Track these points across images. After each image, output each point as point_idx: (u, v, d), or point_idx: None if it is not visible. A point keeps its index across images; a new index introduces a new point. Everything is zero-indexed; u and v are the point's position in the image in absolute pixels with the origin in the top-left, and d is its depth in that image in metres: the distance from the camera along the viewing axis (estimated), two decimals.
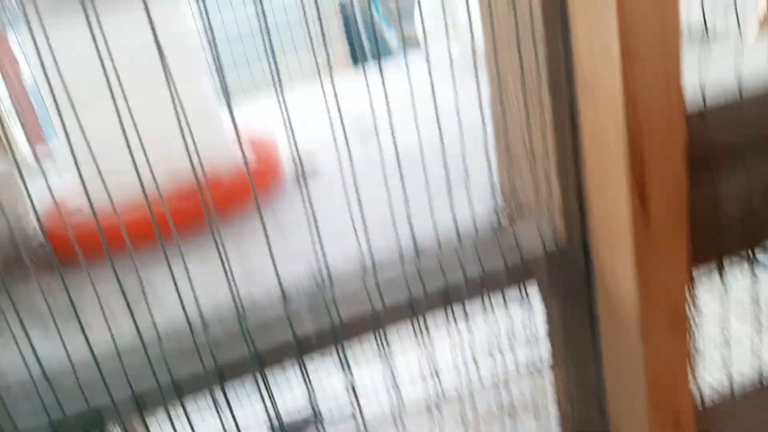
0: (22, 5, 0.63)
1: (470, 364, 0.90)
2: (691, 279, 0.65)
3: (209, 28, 0.58)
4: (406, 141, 0.65)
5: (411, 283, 0.66)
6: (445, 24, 1.00)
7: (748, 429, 0.76)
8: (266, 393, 0.64)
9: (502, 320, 0.73)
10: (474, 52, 0.66)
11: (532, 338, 0.78)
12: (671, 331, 0.60)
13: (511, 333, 0.79)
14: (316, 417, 1.48)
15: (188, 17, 1.01)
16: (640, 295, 0.58)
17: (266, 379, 0.63)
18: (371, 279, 0.67)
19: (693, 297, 0.65)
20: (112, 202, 0.59)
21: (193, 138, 0.57)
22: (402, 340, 0.68)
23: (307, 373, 0.65)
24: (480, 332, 0.76)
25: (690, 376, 0.64)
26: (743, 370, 0.83)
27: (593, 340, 0.71)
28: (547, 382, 0.87)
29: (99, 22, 0.53)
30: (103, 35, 0.53)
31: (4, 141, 0.97)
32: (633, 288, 0.58)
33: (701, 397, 0.77)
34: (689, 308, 0.61)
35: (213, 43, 0.58)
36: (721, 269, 0.71)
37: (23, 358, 0.58)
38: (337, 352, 0.65)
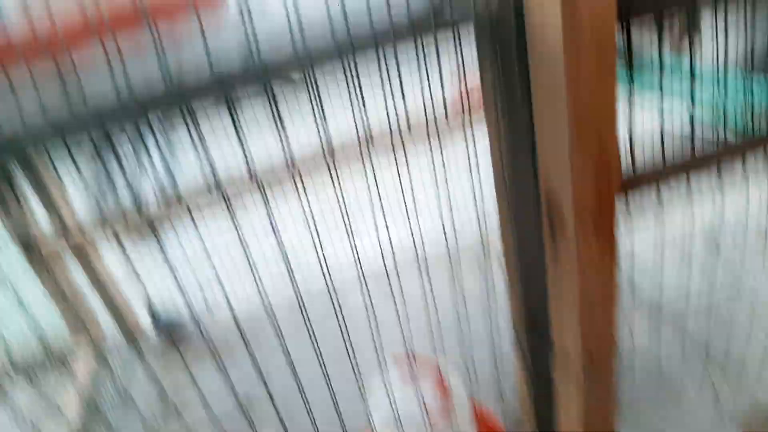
0: None
1: None
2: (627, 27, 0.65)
3: None
4: None
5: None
6: None
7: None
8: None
9: None
10: None
11: None
12: (598, 75, 0.60)
13: None
14: None
15: None
16: (565, 37, 0.58)
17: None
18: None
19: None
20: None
21: None
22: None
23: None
24: None
25: (617, 127, 0.63)
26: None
27: (525, 94, 0.70)
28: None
29: None
30: None
31: None
32: (559, 31, 0.58)
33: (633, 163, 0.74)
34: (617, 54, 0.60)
35: None
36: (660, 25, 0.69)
37: None
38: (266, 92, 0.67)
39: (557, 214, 0.71)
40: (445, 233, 0.93)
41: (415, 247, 0.92)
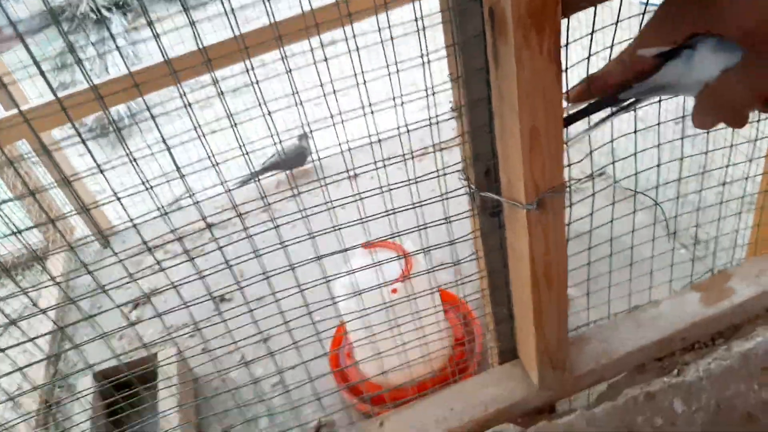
0: None
1: None
2: None
3: None
4: None
5: None
6: None
7: None
8: None
9: None
10: None
11: None
12: None
13: None
14: None
15: None
16: None
17: None
18: None
19: None
20: None
21: None
22: None
23: None
24: None
25: None
26: None
27: None
28: None
29: None
30: None
31: None
32: None
33: None
34: None
35: None
36: None
37: None
38: None
39: (498, 18, 0.62)
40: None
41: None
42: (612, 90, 0.58)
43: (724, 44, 0.46)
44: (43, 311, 0.91)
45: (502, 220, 0.89)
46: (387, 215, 0.86)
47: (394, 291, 1.38)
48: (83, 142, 0.68)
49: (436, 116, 0.77)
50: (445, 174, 0.83)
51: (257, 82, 0.77)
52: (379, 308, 1.08)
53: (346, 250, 0.94)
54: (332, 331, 1.71)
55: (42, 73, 0.63)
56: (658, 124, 1.08)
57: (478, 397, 1.03)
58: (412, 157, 0.93)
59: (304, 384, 1.07)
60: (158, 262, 0.84)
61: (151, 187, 0.75)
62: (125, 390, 1.45)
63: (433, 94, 0.76)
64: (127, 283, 0.82)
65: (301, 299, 0.92)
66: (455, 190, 0.89)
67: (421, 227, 0.89)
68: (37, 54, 0.68)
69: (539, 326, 0.89)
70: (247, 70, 0.77)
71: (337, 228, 0.87)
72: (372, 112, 0.86)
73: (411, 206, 0.87)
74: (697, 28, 0.47)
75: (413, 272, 1.43)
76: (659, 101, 1.00)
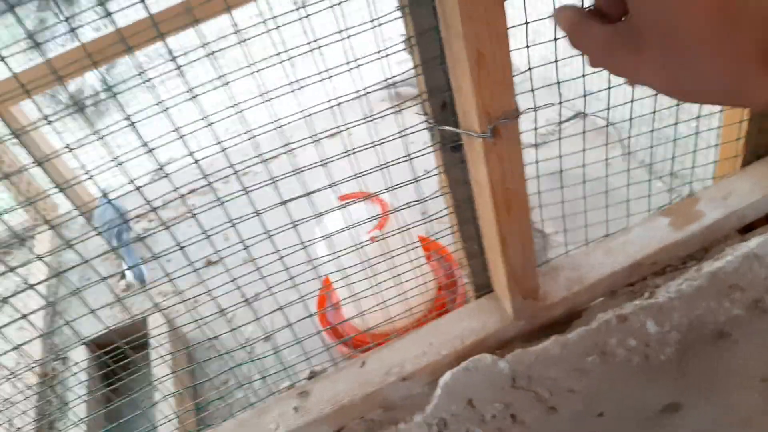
0: None
1: None
2: None
3: None
4: None
5: None
6: None
7: None
8: None
9: None
10: None
11: None
12: None
13: None
14: None
15: None
16: None
17: None
18: None
19: None
20: None
21: None
22: None
23: None
24: None
25: None
26: None
27: None
28: None
29: None
30: None
31: None
32: None
33: None
34: None
35: None
36: None
37: None
38: None
39: None
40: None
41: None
42: None
43: None
44: (31, 286, 0.92)
45: (464, 155, 0.89)
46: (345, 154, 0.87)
47: (373, 240, 1.39)
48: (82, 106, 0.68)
49: (385, 49, 0.77)
50: (401, 110, 0.83)
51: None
52: (358, 256, 1.09)
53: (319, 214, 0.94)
54: (319, 283, 1.73)
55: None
56: None
57: (455, 331, 1.05)
58: (401, 110, 0.92)
59: (291, 343, 1.09)
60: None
61: (149, 150, 0.76)
62: (119, 357, 1.47)
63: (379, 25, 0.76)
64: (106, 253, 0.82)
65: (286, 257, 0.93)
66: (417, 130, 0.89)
67: (383, 166, 0.89)
68: (7, 36, 0.67)
69: (506, 255, 0.91)
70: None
71: (332, 184, 0.87)
72: (357, 67, 0.85)
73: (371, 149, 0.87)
74: None
75: (391, 221, 1.44)
76: None
